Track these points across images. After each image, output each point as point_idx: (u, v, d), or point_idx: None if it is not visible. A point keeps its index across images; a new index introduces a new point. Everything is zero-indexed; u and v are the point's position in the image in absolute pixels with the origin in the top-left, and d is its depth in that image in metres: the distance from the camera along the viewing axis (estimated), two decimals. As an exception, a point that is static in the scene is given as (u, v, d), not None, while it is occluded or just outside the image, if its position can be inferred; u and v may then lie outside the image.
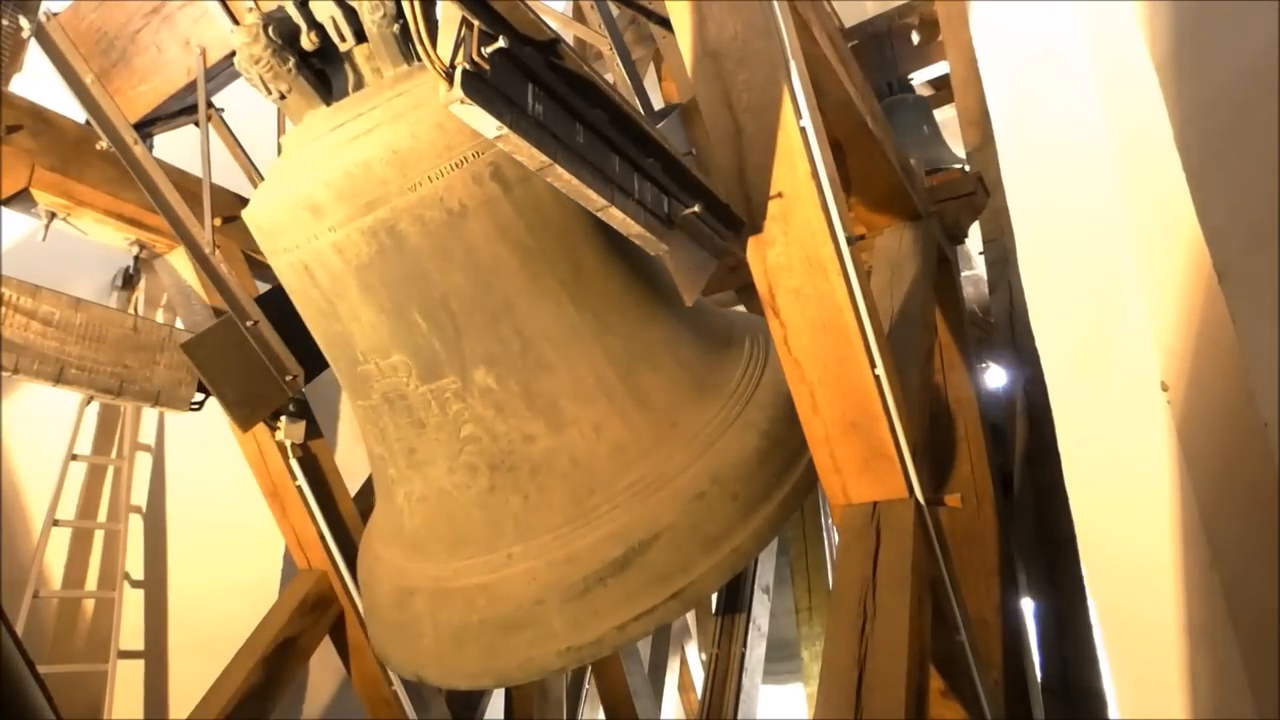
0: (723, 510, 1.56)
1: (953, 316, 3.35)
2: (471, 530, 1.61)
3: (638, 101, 1.97)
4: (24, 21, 1.80)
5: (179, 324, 2.36)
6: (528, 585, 1.53)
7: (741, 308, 3.79)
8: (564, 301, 1.54)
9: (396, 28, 1.47)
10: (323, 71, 1.55)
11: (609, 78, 1.80)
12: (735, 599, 3.92)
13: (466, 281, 1.48)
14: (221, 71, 1.98)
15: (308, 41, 1.48)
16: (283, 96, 1.54)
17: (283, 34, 1.48)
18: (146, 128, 2.05)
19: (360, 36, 1.50)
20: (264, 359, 2.02)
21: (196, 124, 1.98)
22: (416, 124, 1.40)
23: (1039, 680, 3.10)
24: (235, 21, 1.71)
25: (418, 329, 1.51)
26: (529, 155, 1.01)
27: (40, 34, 1.87)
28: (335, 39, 1.49)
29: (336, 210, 1.44)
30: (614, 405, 1.57)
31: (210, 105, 2.04)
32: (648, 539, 1.51)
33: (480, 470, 1.58)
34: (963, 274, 3.81)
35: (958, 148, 4.42)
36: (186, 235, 2.00)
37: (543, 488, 1.56)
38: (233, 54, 1.55)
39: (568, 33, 2.14)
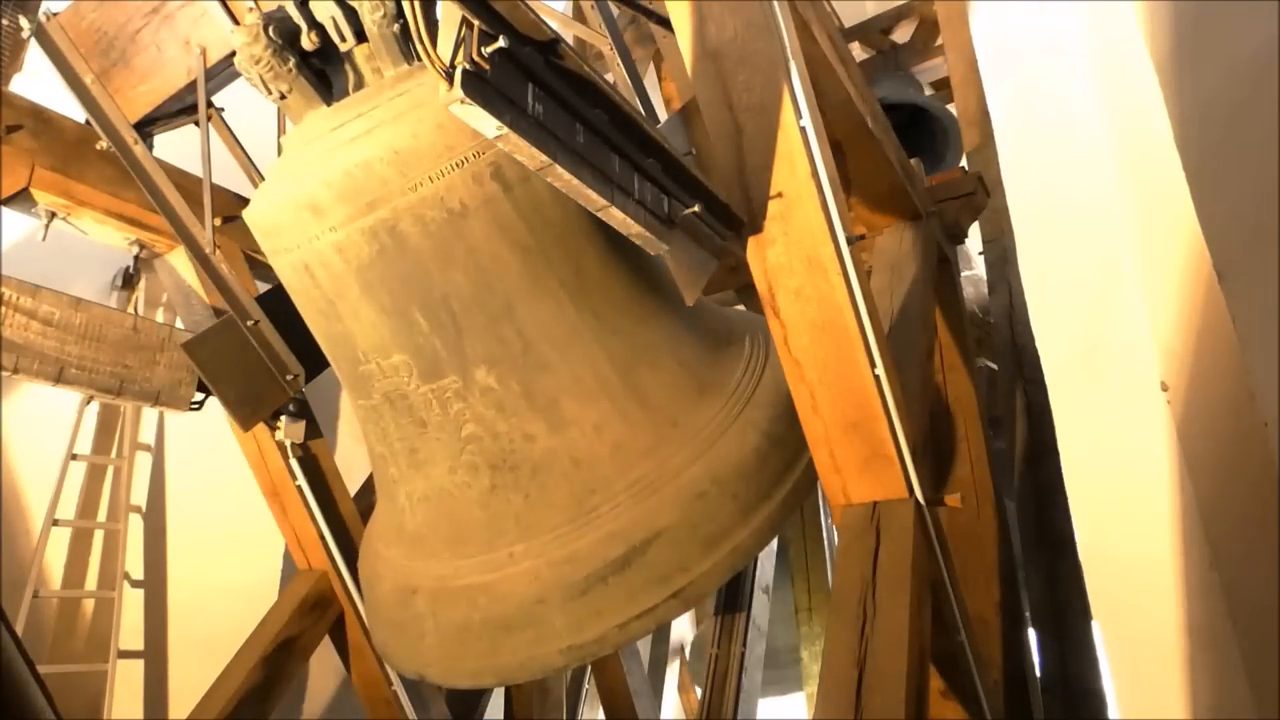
0: (723, 510, 1.57)
1: (953, 316, 3.35)
2: (473, 529, 1.62)
3: (638, 102, 1.97)
4: (24, 21, 1.81)
5: (179, 324, 2.36)
6: (529, 584, 1.54)
7: (741, 307, 3.79)
8: (564, 301, 1.54)
9: (397, 28, 1.47)
10: (323, 71, 1.55)
11: (609, 78, 1.80)
12: (735, 599, 3.92)
13: (467, 281, 1.48)
14: (222, 71, 1.99)
15: (308, 41, 1.48)
16: (283, 96, 1.54)
17: (283, 34, 1.48)
18: (146, 127, 2.05)
19: (361, 36, 1.50)
20: (264, 359, 2.02)
21: (197, 124, 1.98)
22: (417, 124, 1.41)
23: (1039, 680, 3.10)
24: (235, 21, 1.71)
25: (419, 329, 1.51)
26: (529, 155, 1.02)
27: (40, 34, 1.88)
28: (335, 39, 1.49)
29: (337, 210, 1.44)
30: (614, 405, 1.58)
31: (210, 105, 2.04)
32: (648, 538, 1.51)
33: (481, 469, 1.58)
34: (963, 274, 3.80)
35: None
36: (186, 235, 2.01)
37: (544, 487, 1.57)
38: (233, 54, 1.55)
39: (568, 33, 2.14)
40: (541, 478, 1.57)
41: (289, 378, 2.05)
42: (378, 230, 1.44)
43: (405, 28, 1.48)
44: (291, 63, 1.49)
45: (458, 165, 1.41)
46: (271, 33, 1.46)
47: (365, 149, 1.41)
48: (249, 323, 2.00)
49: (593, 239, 1.58)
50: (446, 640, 1.61)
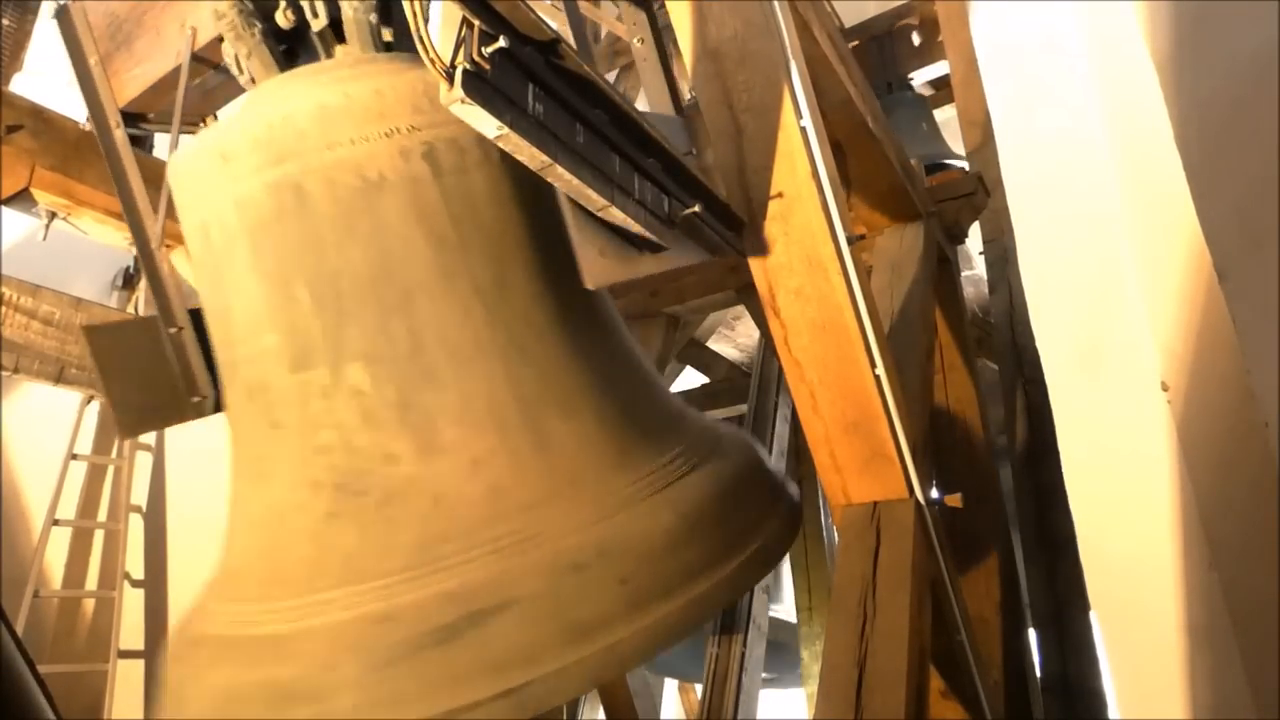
0: (603, 593, 1.20)
1: (953, 316, 3.35)
2: (292, 566, 1.31)
3: (670, 94, 1.90)
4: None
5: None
6: (327, 644, 1.19)
7: (742, 307, 3.79)
8: (475, 310, 1.32)
9: (374, 17, 1.45)
10: (294, 50, 1.51)
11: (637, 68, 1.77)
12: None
13: (365, 260, 1.30)
14: (222, 66, 1.98)
15: (283, 19, 1.45)
16: (254, 81, 1.49)
17: (261, 10, 1.45)
18: (145, 122, 2.04)
19: (337, 28, 1.47)
20: (175, 370, 1.80)
21: (195, 124, 1.98)
22: (352, 85, 1.32)
23: (1039, 680, 3.10)
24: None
25: (299, 306, 1.31)
26: (529, 155, 1.02)
27: (63, 16, 1.86)
28: (309, 16, 1.46)
29: (246, 159, 1.32)
30: (504, 441, 1.30)
31: (213, 115, 2.04)
32: (492, 608, 1.15)
33: (324, 489, 1.30)
34: (963, 274, 3.80)
35: (958, 147, 4.42)
36: (136, 223, 1.88)
37: (389, 522, 1.26)
38: (221, 39, 1.54)
39: (601, 27, 2.11)
40: (390, 511, 1.27)
41: (196, 399, 1.81)
42: (281, 186, 1.30)
43: (382, 18, 1.46)
44: (257, 29, 1.45)
45: (386, 135, 1.29)
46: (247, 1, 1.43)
47: (292, 103, 1.32)
48: (171, 329, 1.80)
49: (528, 258, 1.39)
50: (210, 709, 1.27)
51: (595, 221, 1.23)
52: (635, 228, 1.23)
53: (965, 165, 4.41)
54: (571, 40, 1.82)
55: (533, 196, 1.40)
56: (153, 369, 1.77)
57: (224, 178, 1.34)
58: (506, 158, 1.23)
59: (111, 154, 1.88)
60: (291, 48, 1.52)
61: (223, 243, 1.37)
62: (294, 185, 1.29)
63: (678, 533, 1.30)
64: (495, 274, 1.36)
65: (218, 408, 1.79)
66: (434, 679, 1.13)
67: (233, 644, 1.30)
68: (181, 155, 1.44)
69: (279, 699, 1.18)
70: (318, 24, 1.47)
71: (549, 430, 1.34)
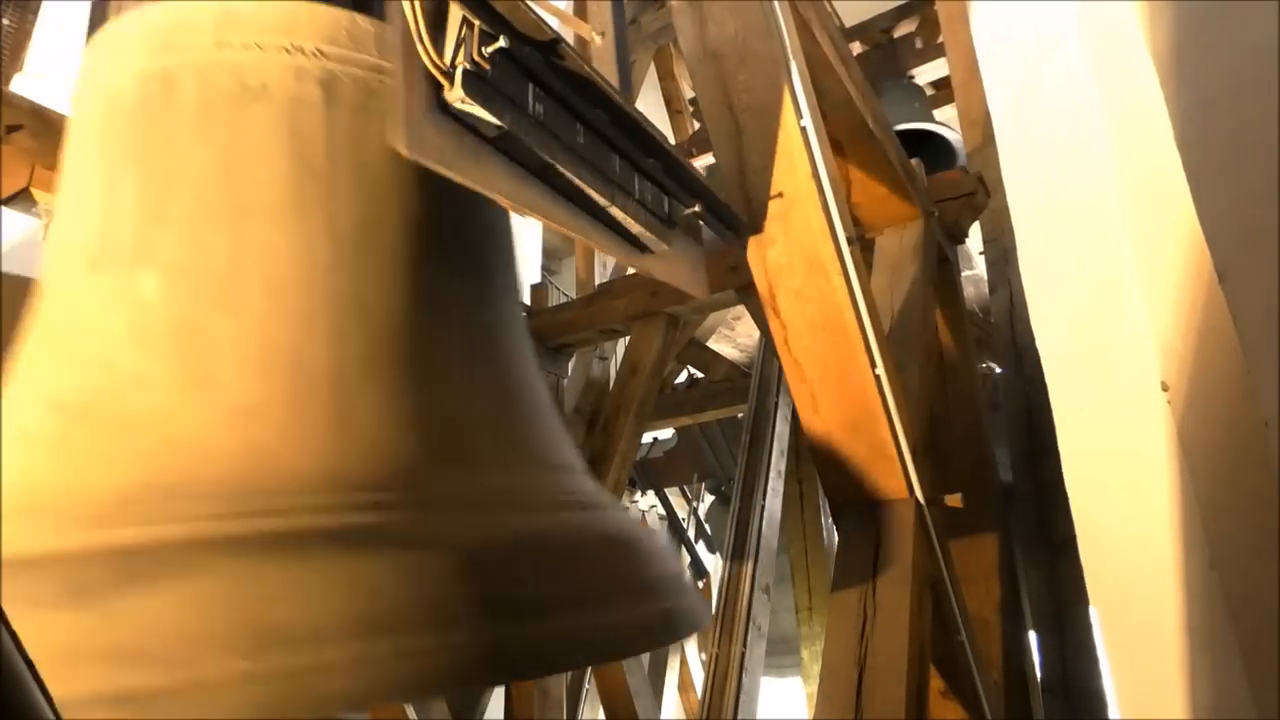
0: (332, 602, 0.88)
1: (953, 316, 3.36)
2: None
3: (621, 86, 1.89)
4: None
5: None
6: None
7: (742, 307, 3.79)
8: (318, 249, 1.14)
9: None
10: None
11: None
12: (735, 599, 3.92)
13: (209, 165, 1.15)
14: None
15: None
16: None
17: None
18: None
19: None
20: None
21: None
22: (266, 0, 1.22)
23: (1039, 680, 3.10)
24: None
25: (119, 200, 1.16)
26: (529, 155, 1.02)
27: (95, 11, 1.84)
28: None
29: (132, 47, 1.23)
30: (294, 395, 1.06)
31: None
32: (156, 575, 0.85)
33: (56, 409, 1.07)
34: (963, 274, 3.81)
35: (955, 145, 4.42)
36: None
37: (111, 457, 1.01)
38: None
39: (565, 30, 2.11)
40: (117, 443, 1.02)
41: None
42: (152, 76, 1.19)
43: None
44: None
45: (286, 50, 1.19)
46: None
47: (196, 2, 1.22)
48: None
49: (418, 222, 1.24)
50: None
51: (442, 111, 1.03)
52: (635, 228, 1.23)
53: (945, 132, 4.45)
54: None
55: (448, 182, 1.15)
56: None
57: (106, 66, 1.24)
58: None
59: None
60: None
61: (80, 139, 1.25)
62: (165, 77, 1.18)
63: (479, 563, 1.00)
64: (361, 223, 1.19)
65: None
66: (38, 648, 0.74)
67: None
68: (84, 51, 1.32)
69: None
70: None
71: (359, 403, 1.10)
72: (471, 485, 1.12)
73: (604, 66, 1.87)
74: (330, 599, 0.87)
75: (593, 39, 1.65)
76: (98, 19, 1.75)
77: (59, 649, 0.78)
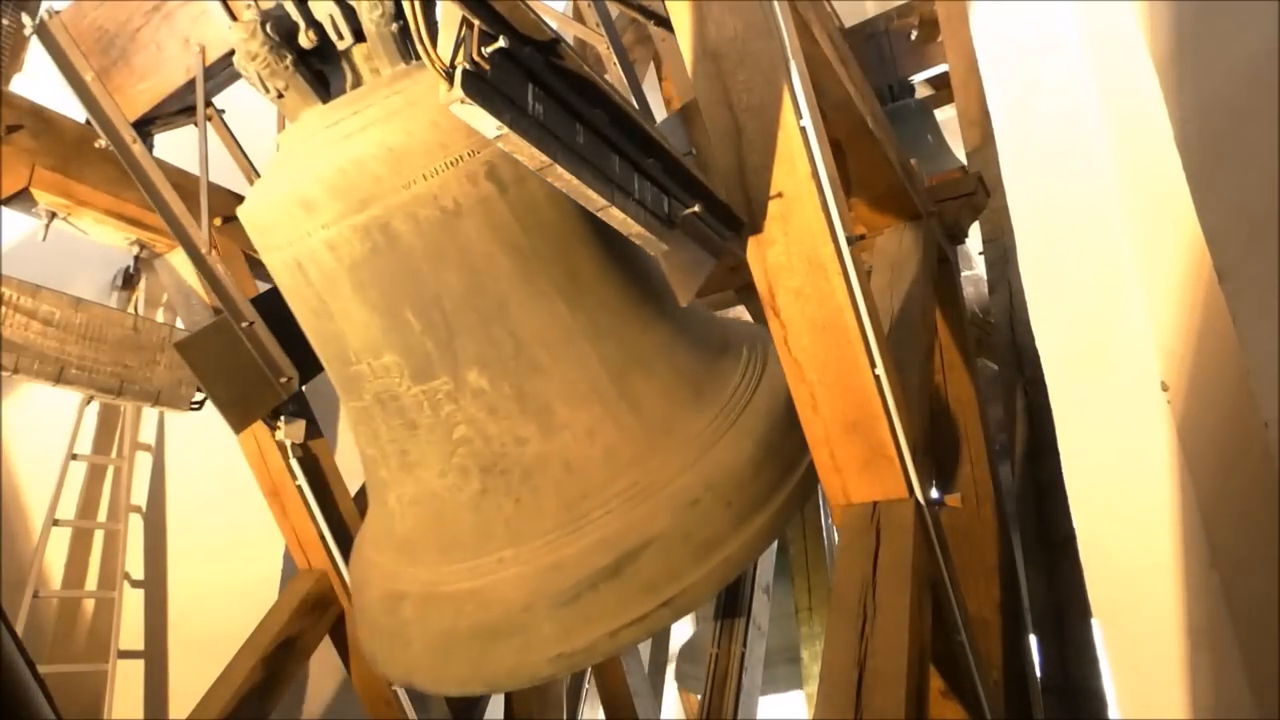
0: (716, 518, 1.54)
1: (953, 316, 3.35)
2: (462, 534, 1.60)
3: (635, 101, 1.96)
4: (26, 19, 1.80)
5: (179, 324, 2.36)
6: (516, 590, 1.52)
7: (742, 308, 3.79)
8: (558, 304, 1.52)
9: (395, 27, 1.47)
10: (321, 71, 1.55)
11: (606, 77, 1.78)
12: (735, 599, 3.92)
13: (459, 281, 1.47)
14: (221, 71, 1.98)
15: (305, 40, 1.47)
16: (280, 95, 1.54)
17: (280, 31, 1.48)
18: (146, 126, 2.05)
19: (359, 36, 1.50)
20: (259, 360, 2.01)
21: (196, 124, 1.98)
22: (411, 121, 1.40)
23: (1039, 680, 3.10)
24: (233, 18, 1.71)
25: (410, 329, 1.50)
26: (529, 155, 1.02)
27: (42, 31, 1.87)
28: (333, 37, 1.49)
29: (330, 207, 1.44)
30: (607, 410, 1.56)
31: (209, 104, 2.04)
32: (639, 546, 1.49)
33: (472, 472, 1.56)
34: (963, 274, 3.81)
35: (959, 149, 4.42)
36: (183, 235, 2.00)
37: (535, 491, 1.55)
38: (232, 52, 1.55)
39: (567, 33, 2.13)
40: (533, 482, 1.55)
41: (283, 380, 2.03)
42: (370, 228, 1.43)
43: (404, 27, 1.47)
44: (288, 60, 1.49)
45: (452, 164, 1.40)
46: (269, 29, 1.46)
47: (359, 146, 1.41)
48: (243, 324, 2.00)
49: (588, 242, 1.56)
50: (433, 647, 1.60)
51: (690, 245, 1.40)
52: (635, 228, 1.23)
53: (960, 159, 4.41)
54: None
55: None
56: (239, 364, 1.98)
57: (311, 225, 1.46)
58: None
59: (137, 170, 1.96)
60: (318, 70, 1.55)
61: (322, 279, 1.51)
62: (382, 225, 1.42)
63: (757, 458, 1.62)
64: (566, 269, 1.53)
65: (302, 383, 2.08)
66: (609, 604, 1.47)
67: (433, 599, 1.60)
68: (256, 204, 1.56)
69: (489, 637, 1.52)
70: (344, 44, 1.49)
71: (638, 392, 1.59)
72: (713, 409, 1.65)
73: (616, 73, 1.89)
74: (712, 516, 1.54)
75: (611, 57, 1.73)
76: (52, 45, 1.81)
77: (613, 604, 1.48)
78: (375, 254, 1.44)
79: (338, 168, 1.41)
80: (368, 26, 1.47)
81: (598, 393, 1.55)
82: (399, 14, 1.46)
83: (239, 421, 2.00)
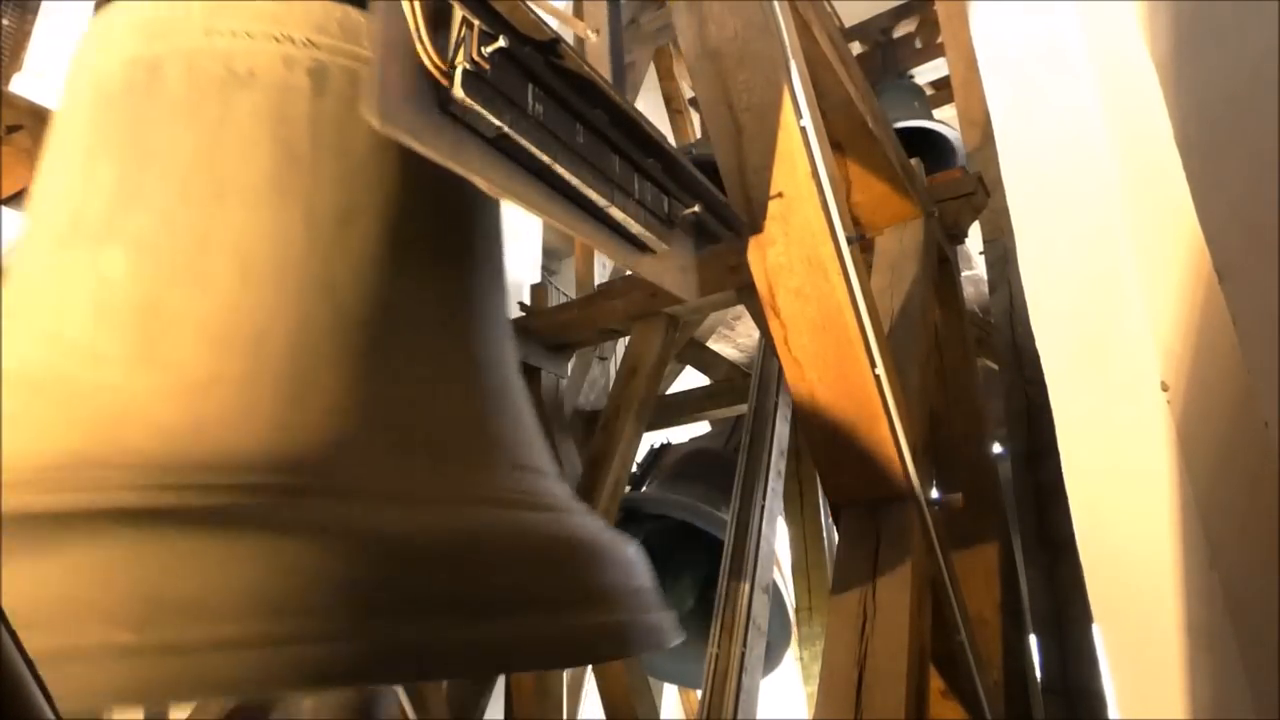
0: (242, 583, 0.83)
1: (953, 316, 3.35)
2: None
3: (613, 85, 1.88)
4: None
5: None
6: None
7: (742, 307, 3.79)
8: (295, 233, 1.13)
9: None
10: None
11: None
12: (735, 599, 3.92)
13: (192, 149, 1.14)
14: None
15: None
16: None
17: None
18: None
19: None
20: None
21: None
22: None
23: (1039, 680, 3.10)
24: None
25: (97, 181, 1.15)
26: (529, 155, 1.02)
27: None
28: None
29: (120, 34, 1.23)
30: (255, 375, 1.05)
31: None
32: (59, 540, 0.82)
33: (8, 382, 1.03)
34: (963, 274, 3.80)
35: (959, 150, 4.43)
36: None
37: (50, 428, 0.99)
38: None
39: (566, 32, 2.10)
40: (57, 415, 1.00)
41: None
42: (139, 62, 1.19)
43: None
44: None
45: (275, 39, 1.19)
46: None
47: None
48: None
49: (399, 214, 1.22)
50: None
51: (423, 74, 0.99)
52: (635, 228, 1.23)
53: (944, 130, 4.43)
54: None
55: (437, 176, 1.13)
56: None
57: (95, 53, 1.23)
58: None
59: None
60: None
61: (65, 124, 1.24)
62: (152, 63, 1.18)
63: (421, 556, 0.97)
64: (341, 208, 1.18)
65: None
66: None
67: None
68: (84, 32, 1.30)
69: None
70: None
71: (316, 387, 1.08)
72: (422, 477, 1.09)
73: (599, 64, 1.85)
74: (232, 578, 0.82)
75: (588, 36, 1.65)
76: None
77: None
78: (126, 92, 1.19)
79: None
80: None
81: (256, 349, 1.06)
82: None
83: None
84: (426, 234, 1.25)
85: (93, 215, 1.13)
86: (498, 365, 1.32)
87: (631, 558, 1.27)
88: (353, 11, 1.24)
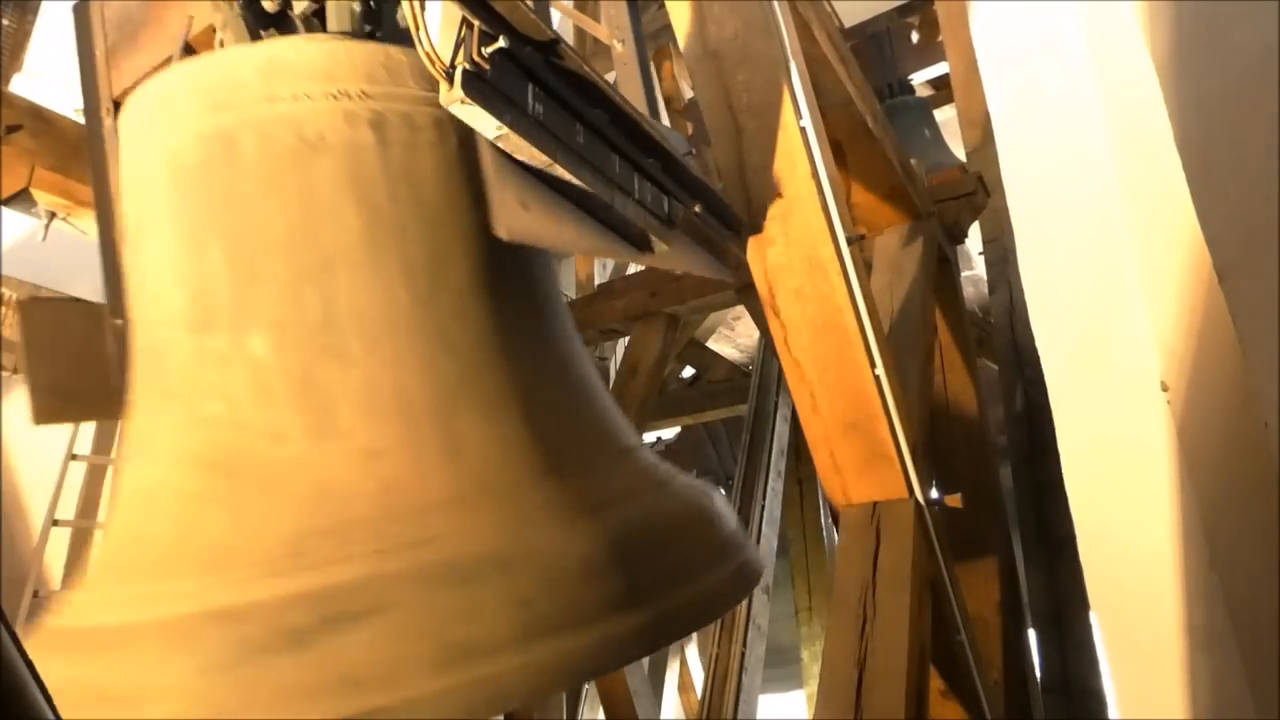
0: (496, 614, 1.01)
1: (953, 316, 3.36)
2: (149, 552, 1.15)
3: (645, 98, 1.91)
4: None
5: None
6: (154, 641, 1.01)
7: (741, 307, 3.79)
8: (399, 291, 1.18)
9: (357, 6, 1.41)
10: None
11: (612, 76, 1.75)
12: (735, 599, 3.92)
13: (286, 222, 1.19)
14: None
15: (269, 2, 1.41)
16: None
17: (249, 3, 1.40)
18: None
19: (322, 17, 1.43)
20: (112, 362, 1.64)
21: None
22: (304, 43, 1.27)
23: (1039, 680, 3.10)
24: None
25: (210, 265, 1.19)
26: (529, 155, 1.02)
27: (80, 11, 1.85)
28: None
29: (183, 106, 1.24)
30: (410, 435, 1.14)
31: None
32: (354, 612, 0.97)
33: (197, 468, 1.14)
34: (963, 274, 3.81)
35: (958, 149, 4.42)
36: (105, 208, 1.78)
37: (263, 510, 1.10)
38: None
39: (572, 24, 2.09)
40: (268, 496, 1.10)
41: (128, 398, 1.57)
42: (213, 136, 1.21)
43: (365, 13, 1.43)
44: (237, 3, 1.40)
45: (333, 96, 1.21)
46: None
47: (240, 54, 1.27)
48: (118, 320, 1.63)
49: (478, 248, 1.27)
50: None
51: (524, 170, 1.11)
52: (635, 228, 1.23)
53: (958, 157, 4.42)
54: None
55: None
56: (86, 356, 1.66)
57: (160, 125, 1.25)
58: (468, 148, 1.19)
59: (95, 138, 1.79)
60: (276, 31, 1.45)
61: (145, 199, 1.27)
62: (226, 136, 1.20)
63: (600, 562, 1.10)
64: (430, 257, 1.23)
65: None
66: (273, 689, 0.95)
67: (63, 636, 1.12)
68: (126, 111, 1.34)
69: (92, 700, 0.99)
70: (300, 6, 1.42)
71: (464, 430, 1.18)
72: (565, 490, 1.20)
73: (628, 73, 1.84)
74: (490, 613, 1.01)
75: (614, 45, 1.65)
76: (83, 24, 1.76)
77: (290, 687, 0.94)
78: (205, 168, 1.21)
79: (206, 69, 1.26)
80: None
81: (404, 410, 1.15)
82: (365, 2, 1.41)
83: (44, 414, 1.65)
84: (502, 255, 1.31)
85: (221, 299, 1.19)
86: (579, 357, 1.42)
87: (725, 506, 1.42)
88: (394, 51, 1.25)
